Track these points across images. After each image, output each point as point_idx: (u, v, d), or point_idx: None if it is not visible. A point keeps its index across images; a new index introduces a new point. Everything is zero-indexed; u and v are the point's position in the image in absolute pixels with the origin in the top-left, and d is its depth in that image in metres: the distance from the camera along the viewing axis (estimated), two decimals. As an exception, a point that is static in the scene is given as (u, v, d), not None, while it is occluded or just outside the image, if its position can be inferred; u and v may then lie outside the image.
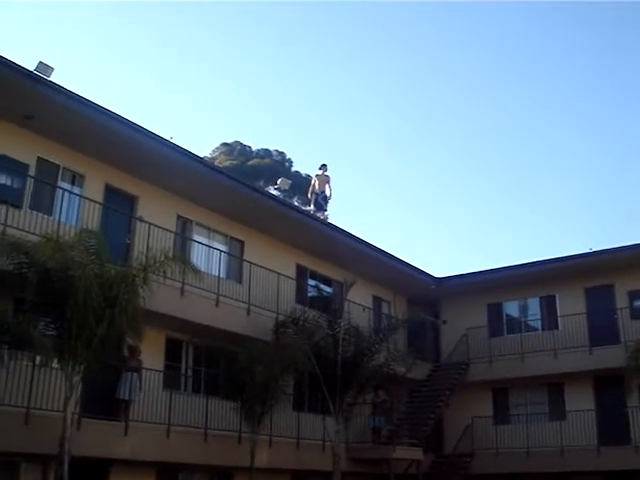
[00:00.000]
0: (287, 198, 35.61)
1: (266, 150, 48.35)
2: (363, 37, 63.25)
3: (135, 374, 15.29)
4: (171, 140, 16.75)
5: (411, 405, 24.75)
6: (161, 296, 14.04)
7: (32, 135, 15.08)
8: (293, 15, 61.60)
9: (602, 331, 23.37)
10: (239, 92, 65.06)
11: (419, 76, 63.58)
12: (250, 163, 45.69)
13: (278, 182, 30.19)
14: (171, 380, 17.08)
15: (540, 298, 25.66)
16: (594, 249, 23.56)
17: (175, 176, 17.40)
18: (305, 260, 22.51)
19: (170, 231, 17.09)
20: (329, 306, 20.39)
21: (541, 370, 23.63)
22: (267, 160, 47.05)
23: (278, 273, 19.64)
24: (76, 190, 16.00)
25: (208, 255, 18.50)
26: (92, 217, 15.11)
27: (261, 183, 40.47)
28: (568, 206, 61.27)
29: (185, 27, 63.05)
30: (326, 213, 24.95)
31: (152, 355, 16.26)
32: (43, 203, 15.01)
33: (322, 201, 24.43)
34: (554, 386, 24.45)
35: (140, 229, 16.44)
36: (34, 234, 13.07)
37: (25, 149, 14.92)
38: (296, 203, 37.05)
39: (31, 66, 14.18)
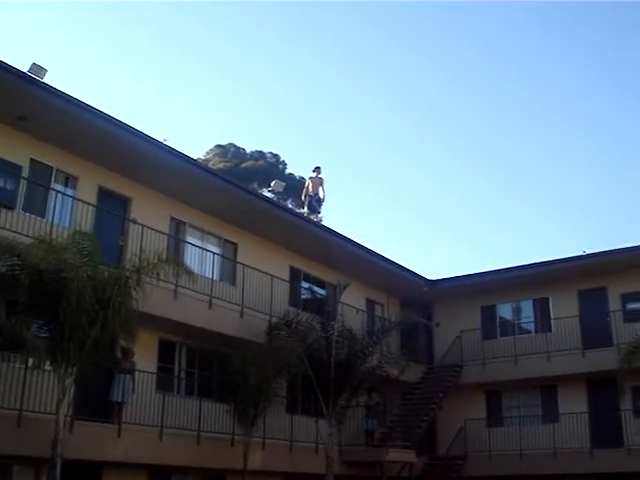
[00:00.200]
0: (281, 200, 35.58)
1: (260, 152, 48.33)
2: (359, 37, 63.48)
3: (128, 376, 15.27)
4: (165, 142, 16.75)
5: (404, 407, 24.75)
6: (154, 298, 14.00)
7: (25, 137, 15.06)
8: (288, 15, 61.71)
9: (595, 334, 23.43)
10: (233, 94, 65.17)
11: (417, 76, 63.73)
12: (244, 165, 45.65)
13: (272, 184, 30.25)
14: (164, 382, 17.07)
15: (533, 300, 25.72)
16: (587, 251, 23.66)
17: (169, 178, 17.39)
18: (298, 262, 22.51)
19: (163, 233, 17.07)
20: (322, 308, 20.42)
21: (534, 372, 23.68)
22: (261, 162, 47.04)
23: (271, 275, 19.65)
24: (69, 192, 15.97)
25: (201, 257, 18.49)
26: (85, 219, 15.10)
27: (255, 185, 40.46)
28: (566, 207, 61.46)
29: (178, 29, 63.12)
30: (320, 215, 24.98)
31: (145, 357, 16.24)
32: (36, 205, 14.99)
33: (316, 203, 24.47)
34: (547, 388, 24.50)
35: (133, 231, 16.44)
36: (27, 236, 13.07)
37: (18, 151, 14.90)
38: (290, 205, 37.11)
39: (24, 67, 14.21)
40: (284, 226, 20.70)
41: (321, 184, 24.74)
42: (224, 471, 17.40)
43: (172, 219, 18.44)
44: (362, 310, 23.61)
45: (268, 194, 33.58)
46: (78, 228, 13.96)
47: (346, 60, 64.85)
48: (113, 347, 14.64)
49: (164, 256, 13.93)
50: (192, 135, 61.03)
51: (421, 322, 26.83)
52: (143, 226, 16.15)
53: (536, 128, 61.46)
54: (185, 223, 18.87)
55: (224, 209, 19.26)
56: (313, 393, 18.72)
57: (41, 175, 15.39)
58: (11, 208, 14.12)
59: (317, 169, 24.94)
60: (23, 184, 14.73)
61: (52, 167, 15.70)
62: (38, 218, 14.61)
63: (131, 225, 16.61)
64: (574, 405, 23.18)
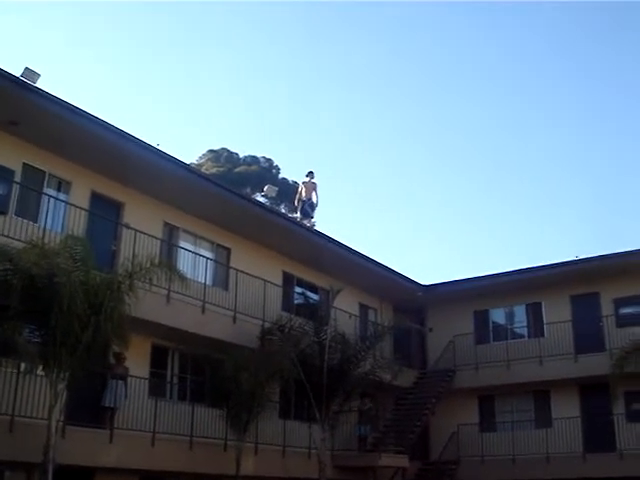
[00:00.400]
0: (274, 205, 35.54)
1: (253, 157, 48.28)
2: (350, 40, 63.41)
3: (121, 381, 15.23)
4: (158, 147, 16.75)
5: (397, 412, 24.75)
6: (147, 303, 13.98)
7: (18, 141, 15.03)
8: (281, 15, 61.72)
9: (587, 339, 23.49)
10: (226, 98, 65.08)
11: (404, 78, 63.76)
12: (237, 170, 45.60)
13: (265, 189, 30.24)
14: (157, 387, 17.05)
15: (526, 305, 25.77)
16: (580, 257, 23.73)
17: (162, 183, 17.38)
18: (291, 267, 22.51)
19: (156, 238, 17.04)
20: (315, 313, 20.41)
21: (527, 377, 23.71)
22: (254, 167, 46.98)
23: (264, 280, 19.64)
24: (62, 196, 15.95)
25: (194, 262, 18.48)
26: (78, 224, 15.08)
27: (248, 190, 40.42)
28: (559, 212, 61.36)
29: (171, 34, 63.06)
30: (313, 220, 25.01)
31: (138, 362, 16.21)
32: (29, 209, 14.95)
33: (309, 208, 24.48)
34: (540, 393, 24.54)
35: (126, 236, 16.42)
36: (19, 240, 13.02)
37: (11, 155, 14.87)
38: (283, 210, 37.08)
39: (17, 72, 14.18)
40: (277, 231, 20.70)
41: (314, 189, 24.74)
42: (217, 476, 17.32)
43: (165, 224, 18.42)
44: (355, 315, 23.61)
45: (261, 199, 33.54)
46: (71, 233, 13.90)
47: (333, 65, 65.02)
48: (105, 352, 14.60)
49: (157, 261, 13.93)
50: (185, 140, 60.95)
51: (414, 327, 26.83)
52: (136, 231, 16.13)
53: (528, 131, 61.64)
54: (178, 228, 18.85)
55: (217, 214, 19.25)
56: (306, 398, 18.70)
57: (34, 180, 15.36)
58: (3, 213, 14.09)
59: (310, 174, 24.95)
60: (16, 189, 14.70)
61: (45, 172, 15.68)
62: (30, 223, 14.57)
63: (124, 230, 16.60)
64: (567, 410, 23.23)
